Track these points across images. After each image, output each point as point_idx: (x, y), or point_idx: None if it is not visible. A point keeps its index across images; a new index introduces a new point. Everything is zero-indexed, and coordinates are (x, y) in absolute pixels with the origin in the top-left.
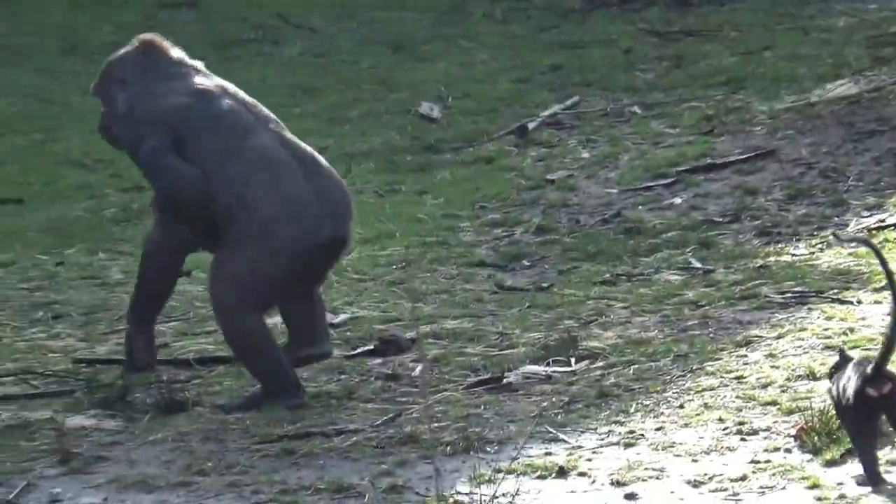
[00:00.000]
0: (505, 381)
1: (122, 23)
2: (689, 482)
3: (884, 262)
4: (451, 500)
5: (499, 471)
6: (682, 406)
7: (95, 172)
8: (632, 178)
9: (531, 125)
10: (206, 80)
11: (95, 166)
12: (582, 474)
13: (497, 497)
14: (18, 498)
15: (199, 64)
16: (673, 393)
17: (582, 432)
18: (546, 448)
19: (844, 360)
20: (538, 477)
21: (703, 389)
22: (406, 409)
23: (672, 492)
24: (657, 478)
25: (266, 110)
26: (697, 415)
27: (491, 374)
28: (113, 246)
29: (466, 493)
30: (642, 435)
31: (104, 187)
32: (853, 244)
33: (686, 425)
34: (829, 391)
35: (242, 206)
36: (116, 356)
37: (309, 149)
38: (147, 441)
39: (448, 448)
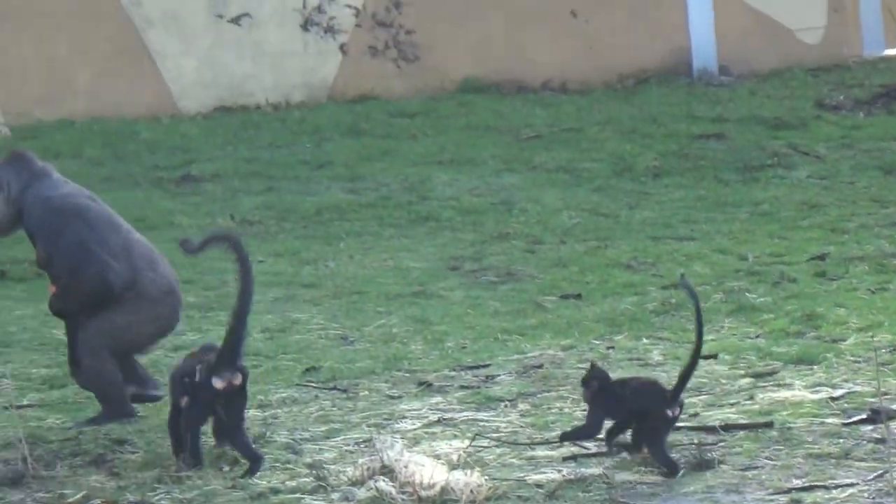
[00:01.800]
0: None
1: (663, 151)
2: None
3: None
4: None
5: None
6: None
7: (640, 273)
8: None
9: None
10: (80, 187)
11: (640, 268)
12: None
13: None
14: None
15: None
16: None
17: None
18: None
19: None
20: None
21: None
22: (893, 467)
23: None
24: None
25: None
26: None
27: None
28: (654, 333)
29: None
30: None
31: (647, 285)
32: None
33: None
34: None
35: (137, 290)
36: None
37: (151, 244)
38: (680, 492)
39: None
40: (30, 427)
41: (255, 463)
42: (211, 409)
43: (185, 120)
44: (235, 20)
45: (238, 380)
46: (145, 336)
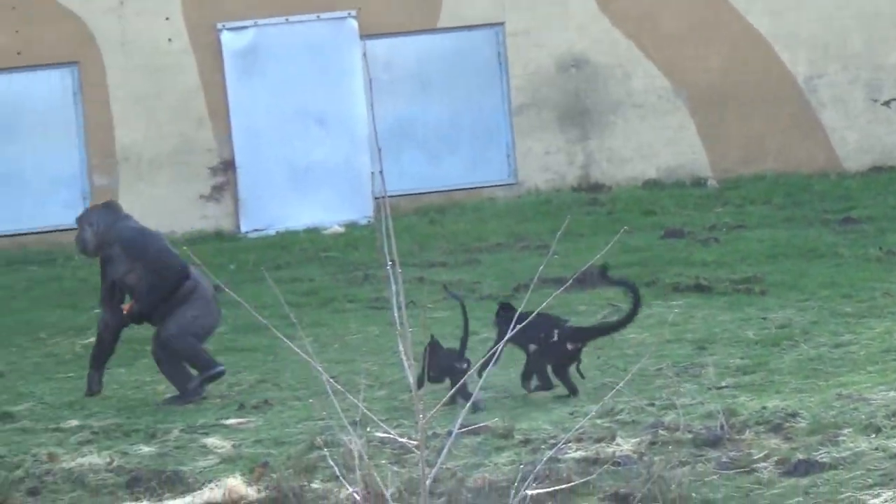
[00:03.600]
0: None
1: None
2: None
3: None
4: None
5: None
6: None
7: None
8: None
9: None
10: None
11: None
12: None
13: None
14: None
15: None
16: None
17: None
18: None
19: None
20: None
21: None
22: None
23: None
24: None
25: None
26: None
27: None
28: None
29: None
30: None
31: None
32: None
33: None
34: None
35: (199, 293)
36: None
37: None
38: None
39: None
40: (726, 402)
41: (574, 393)
42: (557, 359)
43: (847, 176)
44: (886, 103)
45: (578, 346)
46: (206, 326)
